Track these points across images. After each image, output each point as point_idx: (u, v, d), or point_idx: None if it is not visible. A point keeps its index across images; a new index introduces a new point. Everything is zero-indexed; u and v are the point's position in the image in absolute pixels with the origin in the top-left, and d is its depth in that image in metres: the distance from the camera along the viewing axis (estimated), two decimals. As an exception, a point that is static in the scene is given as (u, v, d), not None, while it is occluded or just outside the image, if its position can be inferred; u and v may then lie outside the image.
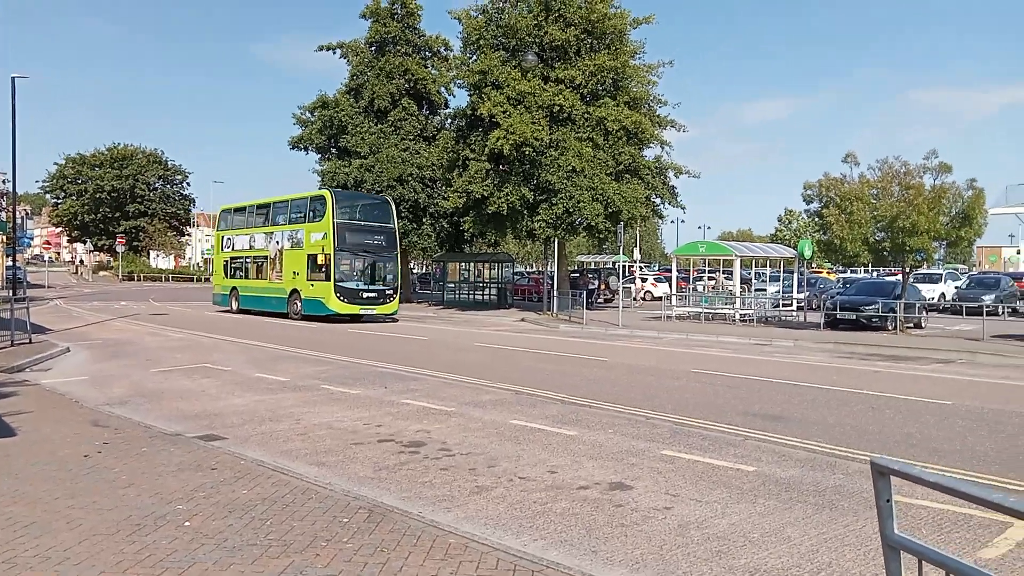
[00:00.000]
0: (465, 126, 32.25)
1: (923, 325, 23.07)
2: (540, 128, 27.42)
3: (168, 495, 5.59)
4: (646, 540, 5.06)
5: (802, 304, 26.51)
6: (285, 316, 27.01)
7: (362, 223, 26.82)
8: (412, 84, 36.93)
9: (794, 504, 5.82)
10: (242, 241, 30.28)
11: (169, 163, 77.55)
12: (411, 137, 36.43)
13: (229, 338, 19.45)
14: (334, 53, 38.88)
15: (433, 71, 38.15)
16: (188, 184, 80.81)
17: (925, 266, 32.04)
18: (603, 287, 39.37)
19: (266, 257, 28.46)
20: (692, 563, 4.68)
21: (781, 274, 31.69)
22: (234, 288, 30.30)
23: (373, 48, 37.81)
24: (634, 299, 38.29)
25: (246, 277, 29.82)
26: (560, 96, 28.18)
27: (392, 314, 27.16)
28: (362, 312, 25.84)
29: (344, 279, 25.54)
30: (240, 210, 32.13)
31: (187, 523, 4.97)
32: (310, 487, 5.89)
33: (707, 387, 11.74)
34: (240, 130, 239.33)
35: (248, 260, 29.80)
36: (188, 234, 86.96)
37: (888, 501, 2.35)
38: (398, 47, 36.98)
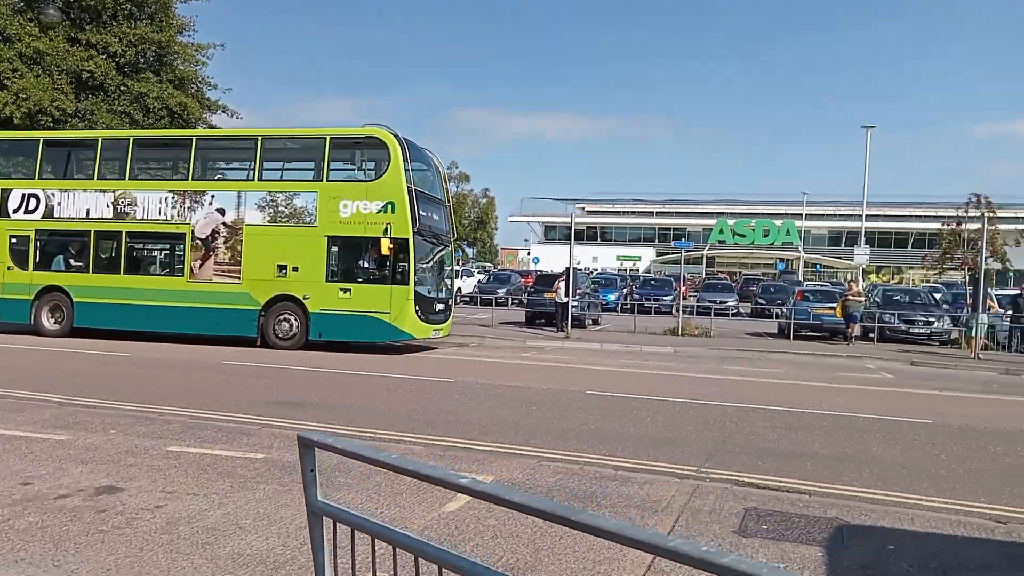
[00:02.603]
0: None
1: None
2: (63, 96, 23.89)
3: None
4: (126, 543, 4.72)
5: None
6: (226, 341, 15.97)
7: (428, 193, 16.85)
8: None
9: (294, 486, 6.02)
10: (85, 202, 17.14)
11: None
12: None
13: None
14: None
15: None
16: None
17: (460, 264, 36.29)
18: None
19: (180, 236, 16.62)
20: (173, 559, 4.50)
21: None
22: (54, 289, 17.01)
23: None
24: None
25: (98, 269, 17.12)
26: (91, 62, 24.95)
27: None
28: (433, 334, 16.63)
29: (420, 283, 15.86)
30: (63, 144, 19.28)
31: None
32: None
33: (233, 378, 11.53)
34: None
35: (109, 239, 17.33)
36: None
37: (312, 471, 2.50)
38: None
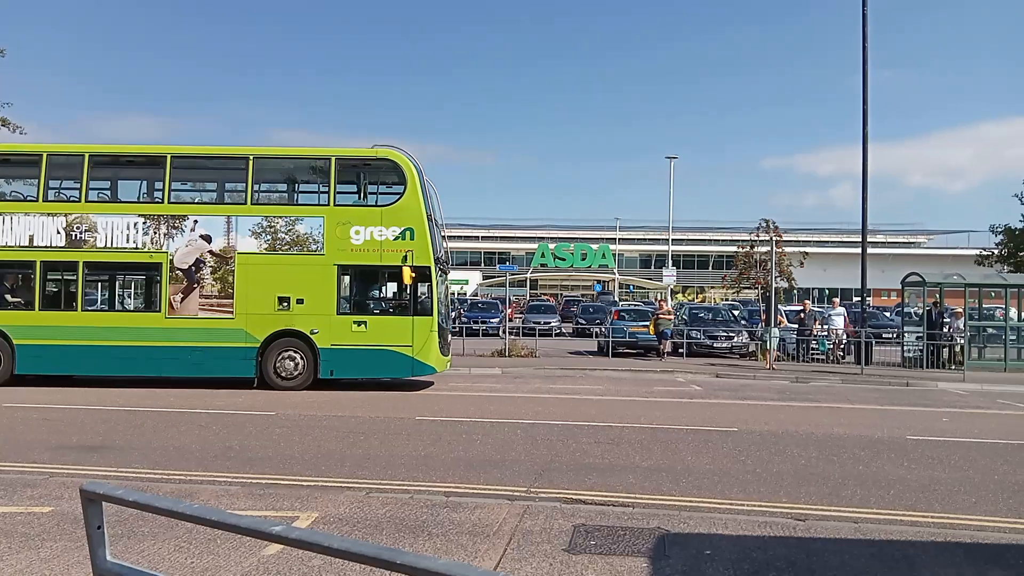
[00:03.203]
0: None
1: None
2: None
3: None
4: None
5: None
6: (212, 384, 14.12)
7: (434, 217, 15.38)
8: None
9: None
10: (28, 228, 14.45)
11: None
12: None
13: None
14: None
15: None
16: None
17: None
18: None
19: (156, 267, 14.49)
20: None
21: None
22: None
23: None
24: None
25: (47, 306, 14.52)
26: None
27: None
28: (448, 367, 15.64)
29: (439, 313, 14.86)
30: (16, 160, 16.13)
31: None
32: None
33: (17, 421, 10.21)
34: None
35: (61, 271, 14.88)
36: None
37: (99, 528, 2.16)
38: None
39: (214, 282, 14.52)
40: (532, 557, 5.11)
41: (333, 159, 14.76)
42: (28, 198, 14.98)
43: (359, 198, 15.96)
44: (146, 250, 14.50)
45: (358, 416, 11.35)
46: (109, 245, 14.49)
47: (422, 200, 14.51)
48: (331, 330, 14.26)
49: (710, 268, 75.23)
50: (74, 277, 14.63)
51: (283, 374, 14.30)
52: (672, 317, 24.13)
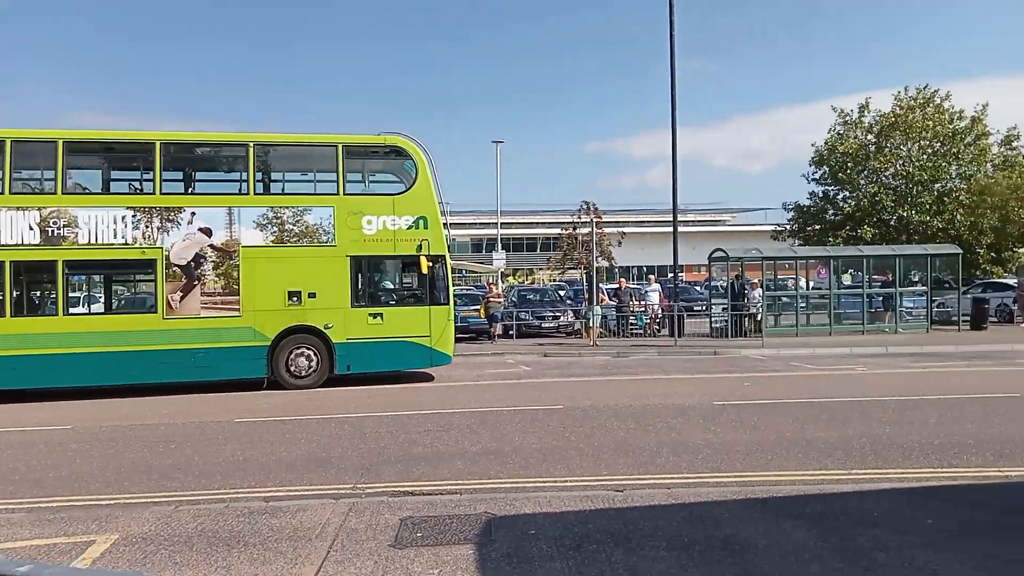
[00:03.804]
0: None
1: None
2: None
3: None
4: None
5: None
6: (214, 387, 13.29)
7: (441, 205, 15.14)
8: None
9: None
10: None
11: None
12: None
13: None
14: None
15: None
16: None
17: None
18: None
19: (150, 263, 13.27)
20: None
21: None
22: None
23: None
24: None
25: (20, 312, 13.04)
26: None
27: None
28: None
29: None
30: None
31: None
32: None
33: None
34: None
35: (36, 272, 13.38)
36: None
37: None
38: None
39: (217, 278, 13.58)
40: (356, 557, 4.97)
41: (340, 146, 14.10)
42: None
43: (366, 187, 15.48)
44: (137, 246, 13.27)
45: (169, 423, 10.56)
46: (94, 242, 13.10)
47: (432, 188, 14.38)
48: (346, 324, 13.87)
49: (538, 250, 77.33)
50: (53, 278, 13.04)
51: (296, 372, 13.76)
52: (502, 300, 24.56)
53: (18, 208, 12.94)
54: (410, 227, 14.18)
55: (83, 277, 14.89)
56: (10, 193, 12.99)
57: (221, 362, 13.40)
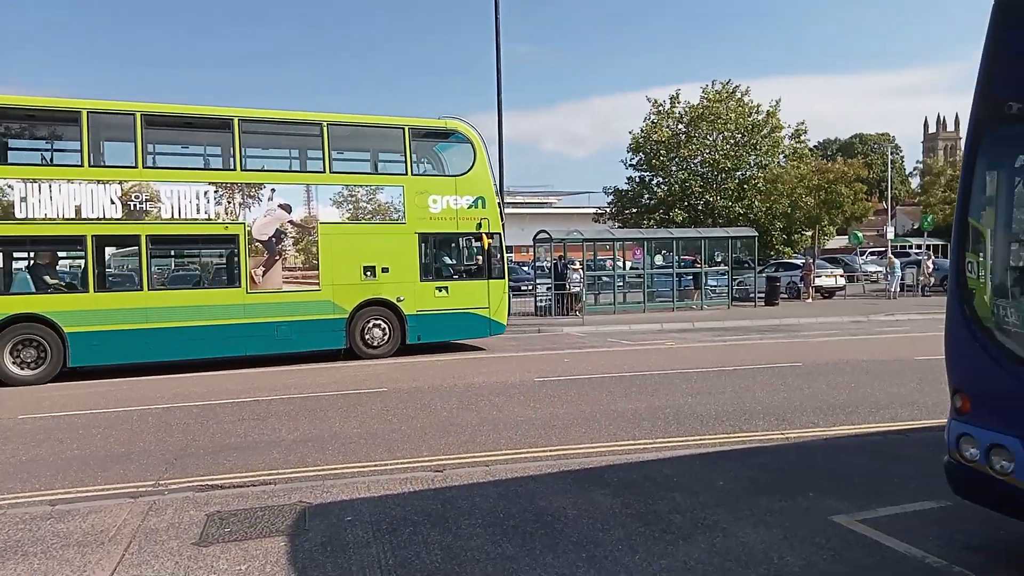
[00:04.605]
0: None
1: None
2: None
3: None
4: None
5: None
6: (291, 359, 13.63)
7: None
8: None
9: None
10: (74, 197, 12.47)
11: None
12: None
13: None
14: None
15: None
16: None
17: None
18: None
19: (232, 239, 13.50)
20: None
21: None
22: (25, 319, 12.18)
23: None
24: None
25: (102, 287, 12.70)
26: None
27: None
28: None
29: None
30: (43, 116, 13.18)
31: None
32: None
33: None
34: None
35: (119, 246, 13.94)
36: None
37: None
38: None
39: (297, 253, 14.08)
40: (155, 559, 4.64)
41: (407, 128, 14.77)
42: (68, 164, 12.99)
43: (427, 167, 16.05)
44: (220, 221, 13.43)
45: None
46: (176, 216, 13.15)
47: (488, 170, 15.55)
48: (416, 297, 14.80)
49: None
50: (137, 253, 12.99)
51: (371, 343, 14.54)
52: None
53: (99, 181, 12.68)
54: (470, 206, 15.24)
55: (164, 252, 15.13)
56: (90, 166, 12.65)
57: (302, 334, 13.97)
